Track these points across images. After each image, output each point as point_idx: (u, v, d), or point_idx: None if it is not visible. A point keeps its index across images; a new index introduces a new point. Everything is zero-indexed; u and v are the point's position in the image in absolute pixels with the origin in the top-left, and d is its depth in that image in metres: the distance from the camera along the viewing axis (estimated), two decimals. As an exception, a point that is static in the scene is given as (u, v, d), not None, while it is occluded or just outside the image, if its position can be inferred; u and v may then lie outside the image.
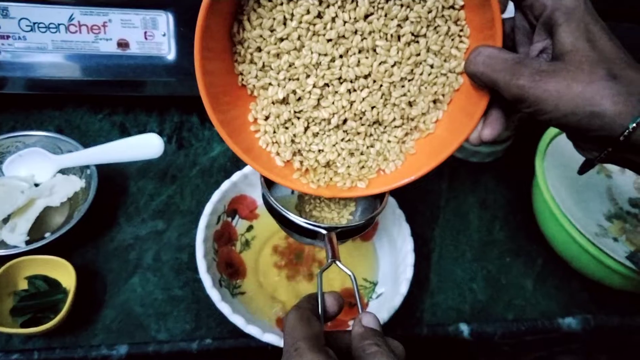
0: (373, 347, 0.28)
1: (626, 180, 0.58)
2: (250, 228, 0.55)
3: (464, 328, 0.51)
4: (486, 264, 0.57)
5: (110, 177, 0.58)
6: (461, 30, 0.33)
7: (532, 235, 0.59)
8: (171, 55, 0.58)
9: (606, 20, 0.29)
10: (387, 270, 0.51)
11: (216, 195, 0.51)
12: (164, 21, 0.55)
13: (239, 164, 0.62)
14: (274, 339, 0.42)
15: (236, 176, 0.53)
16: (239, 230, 0.54)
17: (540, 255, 0.58)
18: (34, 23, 0.54)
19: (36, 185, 0.55)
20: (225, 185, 0.52)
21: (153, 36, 0.56)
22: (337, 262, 0.35)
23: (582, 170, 0.33)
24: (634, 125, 0.26)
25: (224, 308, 0.43)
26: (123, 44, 0.56)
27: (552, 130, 0.59)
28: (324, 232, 0.37)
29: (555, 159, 0.57)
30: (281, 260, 0.53)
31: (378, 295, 0.50)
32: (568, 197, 0.54)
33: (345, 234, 0.39)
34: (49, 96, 0.63)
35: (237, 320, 0.43)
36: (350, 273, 0.34)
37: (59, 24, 0.54)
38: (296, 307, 0.31)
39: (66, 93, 0.61)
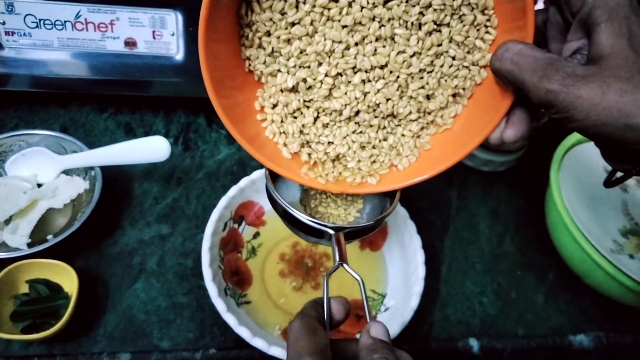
0: None
1: (642, 195, 0.57)
2: (256, 235, 0.53)
3: (474, 343, 0.49)
4: (496, 277, 0.56)
5: (114, 178, 0.56)
6: (488, 20, 0.31)
7: (544, 248, 0.58)
8: (179, 56, 0.56)
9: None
10: (397, 282, 0.50)
11: (223, 202, 0.50)
12: (173, 20, 0.54)
13: (245, 169, 0.61)
14: (280, 352, 0.41)
15: (244, 182, 0.52)
16: (245, 237, 0.53)
17: (552, 269, 0.57)
18: (40, 20, 0.53)
19: (39, 185, 0.54)
20: (233, 191, 0.51)
21: (161, 35, 0.55)
22: (345, 265, 0.33)
23: (610, 183, 0.31)
24: None
25: (230, 319, 0.42)
26: (130, 43, 0.55)
27: (568, 141, 0.57)
28: (331, 232, 0.35)
29: (571, 171, 0.55)
30: (287, 269, 0.52)
31: (387, 308, 0.48)
32: (583, 210, 0.53)
33: (354, 234, 0.36)
34: (54, 94, 0.61)
35: (243, 332, 0.41)
36: (358, 278, 0.32)
37: (65, 21, 0.53)
38: (301, 315, 0.29)
39: (71, 91, 0.59)
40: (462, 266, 0.56)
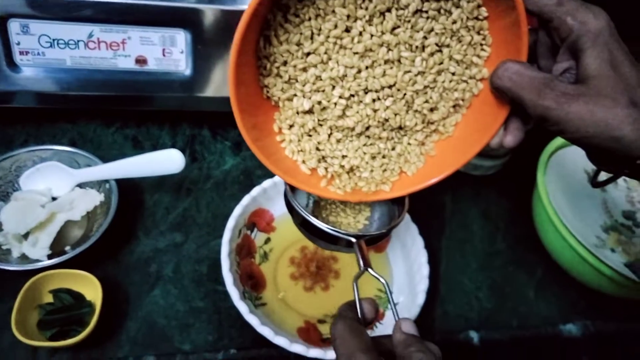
0: (418, 354, 0.29)
1: (619, 194, 0.62)
2: (267, 240, 0.56)
3: (474, 335, 0.53)
4: (490, 274, 0.60)
5: (125, 190, 0.58)
6: (483, 39, 0.35)
7: (532, 245, 0.62)
8: (187, 72, 0.59)
9: (627, 42, 0.30)
10: (402, 281, 0.54)
11: (238, 210, 0.53)
12: (182, 39, 0.57)
13: (251, 177, 0.64)
14: (301, 349, 0.44)
15: (255, 190, 0.55)
16: (258, 242, 0.56)
17: (540, 264, 0.61)
18: (54, 39, 0.55)
19: (53, 199, 0.56)
20: (246, 199, 0.54)
21: (171, 53, 0.58)
22: (370, 270, 0.36)
23: (598, 184, 0.35)
24: None
25: (252, 319, 0.45)
26: (141, 61, 0.58)
27: (552, 145, 0.62)
28: (353, 240, 0.38)
29: (556, 173, 0.60)
30: (298, 272, 0.55)
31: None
32: (567, 209, 0.58)
33: (372, 240, 0.40)
34: (61, 110, 0.63)
35: (265, 331, 0.44)
36: (383, 280, 0.35)
37: (78, 41, 0.55)
38: (342, 317, 0.32)
39: (82, 107, 0.61)
40: (459, 265, 0.60)
